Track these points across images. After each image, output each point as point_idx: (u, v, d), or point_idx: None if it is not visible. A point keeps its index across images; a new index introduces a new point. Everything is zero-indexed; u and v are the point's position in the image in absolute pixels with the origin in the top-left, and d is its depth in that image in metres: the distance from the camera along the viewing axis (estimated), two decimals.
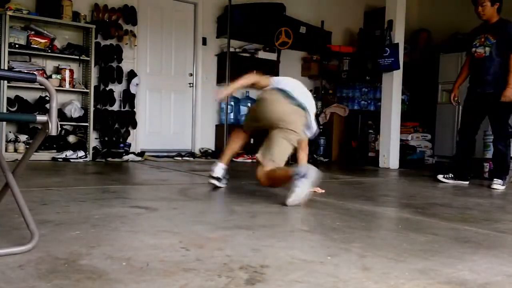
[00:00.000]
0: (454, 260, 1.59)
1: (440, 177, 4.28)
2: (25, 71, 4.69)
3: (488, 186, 4.02)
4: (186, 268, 1.39)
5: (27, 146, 4.90)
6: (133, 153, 5.69)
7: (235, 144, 3.32)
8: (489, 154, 4.91)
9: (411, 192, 3.68)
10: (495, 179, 4.00)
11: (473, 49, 4.13)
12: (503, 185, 3.96)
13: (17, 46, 5.00)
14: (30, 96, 5.28)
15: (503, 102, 3.90)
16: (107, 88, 5.74)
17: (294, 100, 2.99)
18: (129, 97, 5.89)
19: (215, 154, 6.28)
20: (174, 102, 6.47)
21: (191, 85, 6.57)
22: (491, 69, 3.99)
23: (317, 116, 6.89)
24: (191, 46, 6.53)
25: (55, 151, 5.20)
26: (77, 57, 5.40)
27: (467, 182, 4.23)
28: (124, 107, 5.90)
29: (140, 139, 6.11)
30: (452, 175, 4.26)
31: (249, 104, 6.54)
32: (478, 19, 4.15)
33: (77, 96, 5.62)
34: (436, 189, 3.83)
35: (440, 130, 6.78)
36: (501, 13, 4.09)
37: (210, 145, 6.60)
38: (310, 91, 7.07)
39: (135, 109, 5.96)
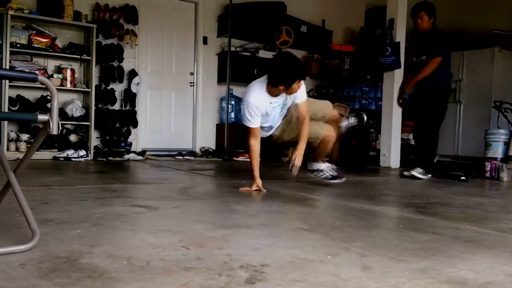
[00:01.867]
0: (455, 260, 1.59)
1: (414, 173, 4.51)
2: (27, 70, 4.69)
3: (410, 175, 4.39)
4: (187, 267, 1.39)
5: (29, 145, 4.91)
6: (134, 152, 5.70)
7: None
8: (490, 153, 4.92)
9: (412, 191, 3.68)
10: (416, 168, 4.41)
11: (414, 58, 4.56)
12: (424, 174, 4.36)
13: (18, 45, 5.00)
14: (32, 95, 5.29)
15: (434, 100, 4.38)
16: (108, 88, 5.74)
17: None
18: (130, 96, 5.90)
19: (216, 153, 6.29)
20: (175, 101, 6.47)
21: (192, 84, 6.57)
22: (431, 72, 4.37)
23: None
24: (191, 45, 6.54)
25: (57, 150, 5.21)
26: (78, 57, 5.41)
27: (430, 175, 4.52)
28: (125, 106, 5.91)
29: (141, 138, 6.12)
30: (424, 171, 4.52)
31: None
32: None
33: (78, 95, 5.63)
34: (437, 188, 3.83)
35: (441, 129, 6.77)
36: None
37: (211, 144, 6.60)
38: (311, 90, 7.17)
39: (136, 108, 5.96)
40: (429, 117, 4.45)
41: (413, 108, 4.81)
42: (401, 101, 4.90)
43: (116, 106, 5.83)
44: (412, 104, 4.90)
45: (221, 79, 6.57)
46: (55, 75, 5.27)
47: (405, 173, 4.53)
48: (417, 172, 4.38)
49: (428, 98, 4.41)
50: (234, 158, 6.07)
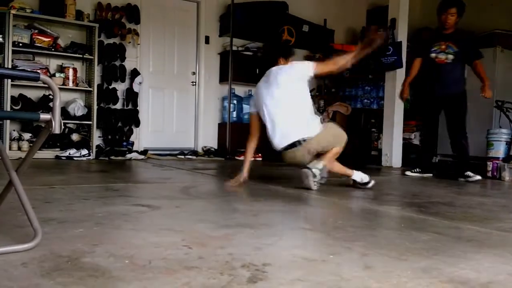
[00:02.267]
0: (456, 259, 1.58)
1: (408, 172, 4.72)
2: (29, 69, 4.70)
3: (466, 181, 4.27)
4: (189, 266, 1.39)
5: (31, 145, 4.92)
6: (136, 151, 5.70)
7: None
8: (492, 153, 4.91)
9: (414, 190, 3.67)
10: (468, 172, 4.30)
11: (433, 55, 4.38)
12: (474, 174, 4.28)
13: (20, 44, 5.01)
14: (34, 94, 5.30)
15: (462, 101, 4.36)
16: (110, 87, 5.75)
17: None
18: (132, 96, 5.91)
19: (218, 153, 6.29)
20: (177, 101, 6.48)
21: (194, 83, 6.58)
22: (453, 74, 4.32)
23: (319, 114, 6.92)
24: (193, 44, 6.54)
25: (59, 149, 5.22)
26: (81, 56, 5.42)
27: (431, 175, 4.64)
28: (127, 106, 5.91)
29: (143, 137, 6.13)
30: (420, 170, 4.66)
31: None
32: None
33: (81, 94, 5.64)
34: (439, 188, 3.82)
35: (443, 129, 6.76)
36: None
37: (213, 143, 6.61)
38: (313, 89, 7.18)
39: (138, 108, 5.97)
40: (461, 116, 4.40)
41: (426, 108, 4.63)
42: (405, 95, 4.76)
43: (118, 106, 5.83)
44: (424, 103, 4.68)
45: (223, 79, 6.58)
46: (57, 74, 5.29)
47: (461, 179, 4.30)
48: (472, 174, 4.28)
49: (460, 97, 4.35)
50: (236, 158, 6.07)
